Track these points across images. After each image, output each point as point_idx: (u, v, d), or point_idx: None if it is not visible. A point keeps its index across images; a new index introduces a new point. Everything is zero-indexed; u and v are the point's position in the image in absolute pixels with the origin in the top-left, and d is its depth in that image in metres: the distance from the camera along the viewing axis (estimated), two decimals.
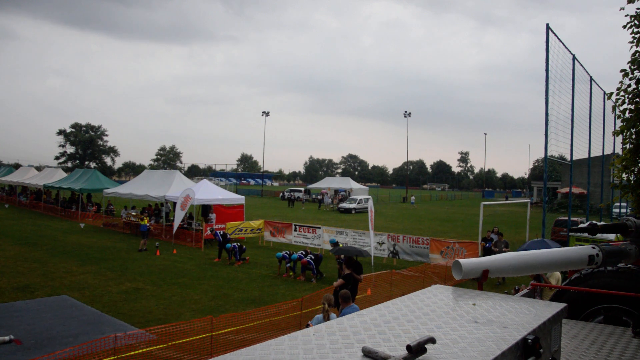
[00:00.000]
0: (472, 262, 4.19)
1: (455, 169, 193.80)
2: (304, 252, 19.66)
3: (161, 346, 10.69)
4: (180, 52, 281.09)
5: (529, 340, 2.71)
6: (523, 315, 3.11)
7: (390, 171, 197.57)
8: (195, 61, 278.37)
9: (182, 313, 13.99)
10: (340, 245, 20.16)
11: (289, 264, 19.48)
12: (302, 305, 12.49)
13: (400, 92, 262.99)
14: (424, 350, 2.38)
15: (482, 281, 4.22)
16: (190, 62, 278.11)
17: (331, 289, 13.02)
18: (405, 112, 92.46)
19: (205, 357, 10.39)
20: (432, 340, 2.45)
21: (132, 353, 10.13)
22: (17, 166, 70.36)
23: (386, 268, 20.25)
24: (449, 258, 20.41)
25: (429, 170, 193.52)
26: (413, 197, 75.24)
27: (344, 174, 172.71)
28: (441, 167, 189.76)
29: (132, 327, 12.63)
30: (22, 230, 30.25)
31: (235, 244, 22.05)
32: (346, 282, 12.56)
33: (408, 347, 2.34)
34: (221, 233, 23.20)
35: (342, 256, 16.86)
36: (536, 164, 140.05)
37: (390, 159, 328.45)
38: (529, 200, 33.79)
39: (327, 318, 8.52)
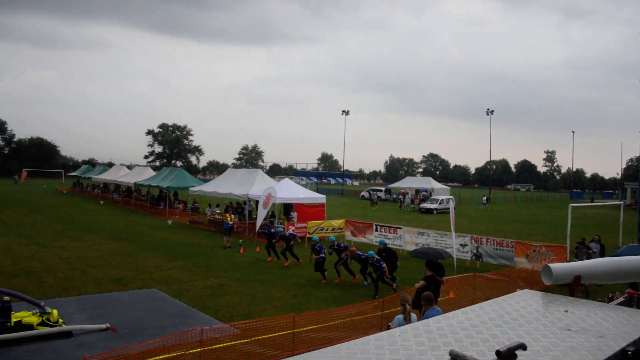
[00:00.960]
0: (563, 267, 4.04)
1: (541, 168, 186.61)
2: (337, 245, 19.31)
3: (245, 341, 10.96)
4: (259, 54, 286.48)
5: (629, 352, 2.56)
6: (621, 325, 2.95)
7: (473, 171, 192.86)
8: (274, 62, 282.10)
9: (264, 309, 14.28)
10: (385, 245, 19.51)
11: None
12: (383, 306, 12.44)
13: (481, 90, 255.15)
14: (514, 357, 2.32)
15: (575, 287, 4.05)
16: (269, 63, 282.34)
17: (412, 290, 12.90)
18: (488, 109, 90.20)
19: (287, 354, 10.56)
20: (522, 347, 2.39)
21: (217, 346, 10.45)
22: (110, 165, 74.22)
23: (469, 271, 19.78)
24: (535, 262, 19.69)
25: (513, 170, 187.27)
26: (485, 198, 71.71)
27: (425, 173, 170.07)
28: (526, 167, 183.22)
29: (217, 321, 13.02)
30: (115, 226, 31.90)
31: (286, 232, 22.36)
32: (428, 284, 12.40)
33: (497, 353, 2.29)
34: (272, 230, 22.75)
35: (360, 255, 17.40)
36: (630, 164, 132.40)
37: (472, 159, 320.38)
38: (621, 202, 31.92)
39: (408, 320, 8.45)
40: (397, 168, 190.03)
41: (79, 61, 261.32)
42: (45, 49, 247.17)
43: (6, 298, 11.87)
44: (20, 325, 11.97)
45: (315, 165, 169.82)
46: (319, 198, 30.01)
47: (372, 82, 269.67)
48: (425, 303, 9.03)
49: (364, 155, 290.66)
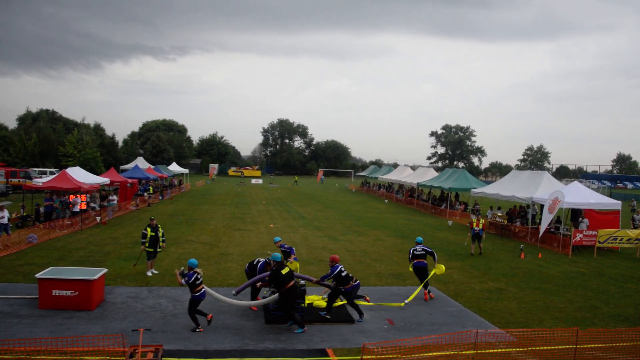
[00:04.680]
0: None
1: None
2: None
3: (520, 349, 10.56)
4: (546, 48, 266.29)
5: None
6: None
7: None
8: (564, 56, 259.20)
9: (544, 319, 13.50)
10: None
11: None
12: None
13: None
14: None
15: None
16: (558, 57, 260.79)
17: None
18: None
19: None
20: None
21: (491, 351, 10.25)
22: (395, 165, 77.75)
23: None
24: None
25: None
26: None
27: None
28: None
29: (493, 325, 12.77)
30: (397, 224, 33.43)
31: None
32: None
33: None
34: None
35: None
36: None
37: None
38: None
39: None
40: None
41: (368, 69, 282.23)
42: (340, 60, 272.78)
43: (302, 282, 13.42)
44: (312, 307, 13.44)
45: (609, 168, 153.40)
46: (613, 204, 27.01)
47: None
48: None
49: None
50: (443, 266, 15.53)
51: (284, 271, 12.07)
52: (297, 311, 12.29)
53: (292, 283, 12.01)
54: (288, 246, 15.76)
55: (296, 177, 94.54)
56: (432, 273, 15.37)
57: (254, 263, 14.12)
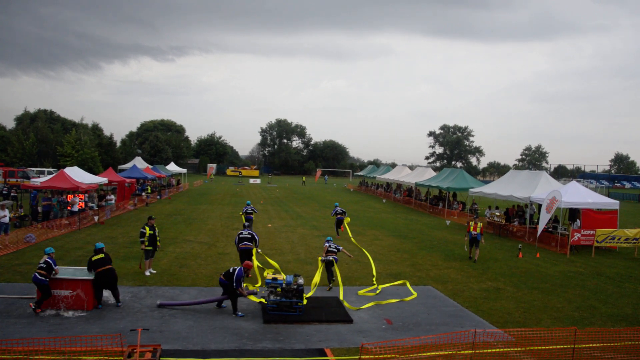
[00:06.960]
0: None
1: None
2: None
3: (519, 349, 10.57)
4: (543, 49, 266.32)
5: None
6: None
7: None
8: (561, 56, 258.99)
9: (542, 319, 13.51)
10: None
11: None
12: None
13: None
14: None
15: None
16: (555, 58, 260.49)
17: None
18: None
19: None
20: None
21: (489, 351, 10.26)
22: (393, 165, 77.69)
23: None
24: None
25: None
26: None
27: None
28: None
29: (491, 325, 12.79)
30: (395, 224, 33.42)
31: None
32: None
33: None
34: None
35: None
36: None
37: None
38: None
39: None
40: None
41: (366, 69, 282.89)
42: (338, 60, 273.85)
43: (300, 281, 13.41)
44: (310, 306, 13.43)
45: (607, 167, 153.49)
46: (611, 204, 27.03)
47: None
48: None
49: None
50: (349, 218, 27.20)
51: (94, 258, 13.40)
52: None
53: (106, 267, 13.29)
54: (251, 209, 26.56)
55: (304, 178, 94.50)
56: (346, 222, 26.51)
57: (230, 271, 13.34)
